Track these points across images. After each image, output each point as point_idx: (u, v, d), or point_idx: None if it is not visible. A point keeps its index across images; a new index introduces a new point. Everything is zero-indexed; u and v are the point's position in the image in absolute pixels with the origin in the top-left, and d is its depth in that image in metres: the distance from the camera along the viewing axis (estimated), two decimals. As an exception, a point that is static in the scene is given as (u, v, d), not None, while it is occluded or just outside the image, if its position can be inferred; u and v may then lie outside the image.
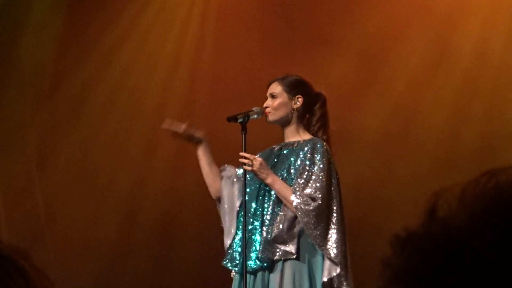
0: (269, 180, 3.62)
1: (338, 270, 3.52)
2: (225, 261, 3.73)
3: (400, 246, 0.65)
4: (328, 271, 3.54)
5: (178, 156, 6.03)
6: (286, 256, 3.59)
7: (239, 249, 3.70)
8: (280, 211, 3.62)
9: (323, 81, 5.68)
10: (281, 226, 3.58)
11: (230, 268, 3.72)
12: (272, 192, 3.69)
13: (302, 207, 3.56)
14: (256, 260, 3.60)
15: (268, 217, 3.67)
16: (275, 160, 3.77)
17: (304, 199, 3.58)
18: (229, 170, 3.84)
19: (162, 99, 6.21)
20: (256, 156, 3.74)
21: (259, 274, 3.63)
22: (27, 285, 0.89)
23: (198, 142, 3.80)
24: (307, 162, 3.65)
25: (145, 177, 6.10)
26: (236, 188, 3.81)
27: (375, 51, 5.89)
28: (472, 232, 0.64)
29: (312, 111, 3.81)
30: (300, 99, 3.72)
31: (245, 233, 3.65)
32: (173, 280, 6.00)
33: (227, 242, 3.76)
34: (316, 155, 3.66)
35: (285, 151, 3.76)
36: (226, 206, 3.81)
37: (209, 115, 5.98)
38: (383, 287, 0.65)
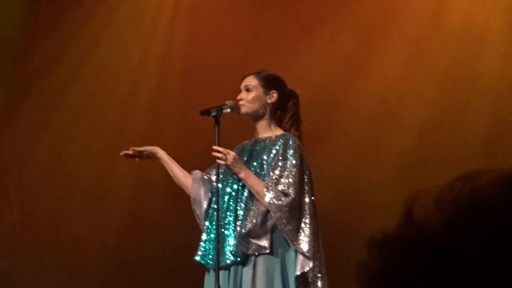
0: (242, 175, 3.67)
1: (311, 264, 3.58)
2: (197, 256, 3.76)
3: (376, 249, 0.65)
4: (301, 265, 3.60)
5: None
6: (259, 250, 3.63)
7: (211, 245, 3.71)
8: (253, 206, 3.66)
9: (298, 75, 5.71)
10: (254, 220, 3.63)
11: (202, 263, 3.74)
12: (246, 187, 3.73)
13: (275, 202, 3.61)
14: (230, 255, 3.63)
15: (241, 212, 3.70)
16: (248, 156, 3.81)
17: (277, 194, 3.63)
18: (195, 174, 3.90)
19: (132, 93, 6.21)
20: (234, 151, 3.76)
21: (232, 269, 3.65)
22: None
23: (155, 154, 3.87)
24: (280, 158, 3.70)
25: (112, 169, 6.10)
26: (202, 189, 3.84)
27: (357, 47, 5.93)
28: (447, 236, 0.64)
29: (286, 108, 3.85)
30: (275, 95, 3.77)
31: (218, 229, 3.67)
32: (140, 270, 6.00)
33: (202, 238, 3.79)
34: (288, 151, 3.71)
35: (257, 147, 3.80)
36: (197, 205, 3.85)
37: (181, 109, 5.99)
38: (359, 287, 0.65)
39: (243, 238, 3.63)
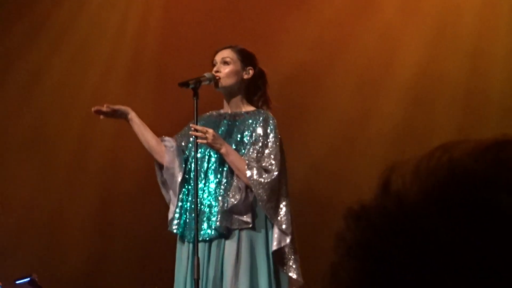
0: (223, 150, 3.68)
1: (288, 240, 3.63)
2: (173, 228, 3.75)
3: (354, 220, 0.65)
4: (278, 241, 3.65)
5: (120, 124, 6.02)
6: (242, 225, 3.66)
7: (188, 217, 3.72)
8: (234, 182, 3.68)
9: (277, 51, 5.69)
10: (237, 196, 3.65)
11: (178, 234, 3.74)
12: (225, 163, 3.73)
13: (257, 179, 3.64)
14: (213, 230, 3.65)
15: (222, 187, 3.72)
16: (223, 130, 3.81)
17: (259, 171, 3.65)
18: (168, 141, 3.86)
19: (110, 66, 6.16)
20: (200, 123, 3.77)
21: (214, 243, 3.68)
22: None
23: (126, 115, 3.82)
24: (261, 135, 3.72)
25: (90, 141, 6.08)
26: (177, 160, 3.81)
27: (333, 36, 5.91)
28: (425, 206, 0.64)
29: (257, 85, 3.89)
30: (251, 71, 3.82)
31: (197, 205, 3.68)
32: (114, 247, 6.02)
33: (172, 209, 3.78)
34: (268, 128, 3.74)
35: (232, 122, 3.81)
36: (169, 175, 3.81)
37: (158, 81, 5.97)
38: (337, 260, 0.65)
39: (226, 214, 3.64)
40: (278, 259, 3.70)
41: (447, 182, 0.64)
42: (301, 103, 5.74)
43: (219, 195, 3.71)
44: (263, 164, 3.72)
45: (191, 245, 3.70)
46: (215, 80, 3.77)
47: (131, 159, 5.87)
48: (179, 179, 3.80)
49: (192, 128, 3.71)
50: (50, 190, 6.04)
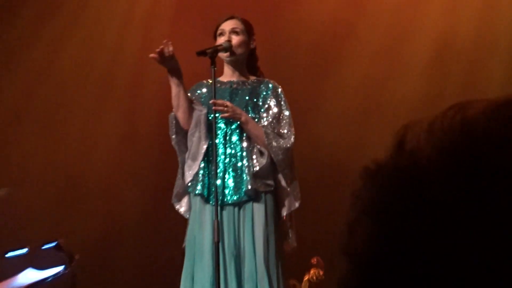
0: (243, 119, 3.80)
1: (297, 205, 3.78)
2: (198, 190, 3.81)
3: (370, 178, 0.66)
4: (288, 206, 3.79)
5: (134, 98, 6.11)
6: (267, 188, 3.79)
7: (211, 180, 3.79)
8: (257, 147, 3.79)
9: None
10: (263, 160, 3.78)
11: (204, 196, 3.81)
12: (243, 131, 3.81)
13: (275, 145, 3.76)
14: (242, 193, 3.75)
15: (246, 152, 3.80)
16: (231, 97, 3.90)
17: (276, 137, 3.79)
18: (198, 105, 3.91)
19: (122, 35, 6.20)
20: (203, 90, 3.87)
21: (243, 206, 3.79)
22: None
23: (174, 66, 3.83)
24: (273, 103, 3.86)
25: (104, 113, 6.17)
26: (205, 127, 3.87)
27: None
28: (439, 164, 0.66)
29: (255, 56, 3.98)
30: (254, 42, 3.94)
31: (216, 170, 3.76)
32: (128, 213, 6.13)
33: (191, 173, 3.84)
34: (279, 97, 3.87)
35: (240, 90, 3.91)
36: (191, 139, 3.86)
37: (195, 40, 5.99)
38: (354, 218, 0.67)
39: (255, 177, 3.76)
40: (285, 224, 3.87)
41: (460, 141, 0.66)
42: (323, 70, 5.74)
43: (245, 159, 3.80)
44: (281, 131, 3.84)
45: (213, 208, 3.77)
46: (231, 49, 3.86)
47: (145, 129, 5.94)
48: (205, 145, 3.85)
49: (212, 103, 3.80)
50: (66, 157, 6.13)
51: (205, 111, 3.91)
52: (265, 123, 3.85)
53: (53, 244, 4.55)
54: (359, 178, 0.68)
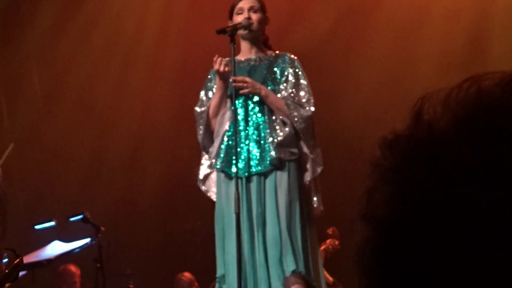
0: (263, 93, 3.90)
1: (319, 170, 3.87)
2: (222, 166, 3.91)
3: (388, 147, 0.69)
4: (312, 172, 3.88)
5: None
6: (291, 156, 3.88)
7: (233, 156, 3.86)
8: (279, 117, 3.87)
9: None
10: (286, 129, 3.86)
11: (227, 171, 3.90)
12: (264, 103, 3.89)
13: (296, 114, 3.84)
14: (266, 162, 3.83)
15: (268, 123, 3.88)
16: (252, 71, 3.99)
17: (297, 107, 3.87)
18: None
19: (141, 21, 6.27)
20: (225, 68, 3.94)
21: (268, 175, 3.86)
22: None
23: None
24: (291, 73, 3.95)
25: (124, 95, 6.26)
26: (228, 107, 3.95)
27: None
28: (454, 134, 0.68)
29: (265, 33, 4.14)
30: (268, 20, 4.02)
31: (236, 138, 3.85)
32: (145, 187, 6.22)
33: (215, 149, 3.92)
34: (296, 68, 3.94)
35: (259, 64, 4.00)
36: (219, 117, 3.96)
37: (187, 30, 6.04)
38: (372, 186, 0.70)
39: (278, 146, 3.84)
40: (310, 190, 3.96)
41: (475, 111, 0.68)
42: (348, 47, 5.74)
43: (267, 130, 3.89)
44: (301, 101, 3.93)
45: (242, 180, 3.86)
46: (250, 27, 3.97)
47: (162, 113, 6.02)
48: (228, 122, 3.95)
49: (232, 80, 3.88)
50: (88, 129, 6.23)
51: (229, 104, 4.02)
52: (285, 94, 3.94)
53: (79, 217, 4.63)
54: (377, 148, 0.71)
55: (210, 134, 4.04)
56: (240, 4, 4.02)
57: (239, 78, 3.92)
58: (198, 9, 6.18)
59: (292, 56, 4.04)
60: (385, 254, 0.67)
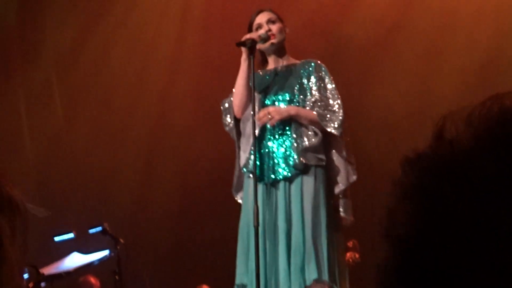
0: (292, 113, 3.93)
1: (354, 178, 3.86)
2: (247, 170, 3.93)
3: (410, 166, 0.69)
4: (346, 180, 3.87)
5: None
6: (318, 162, 3.87)
7: (263, 163, 3.90)
8: (302, 127, 3.87)
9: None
10: (313, 139, 3.85)
11: (257, 175, 3.91)
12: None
13: (331, 123, 3.87)
14: (292, 168, 3.84)
15: (293, 132, 3.95)
16: (277, 81, 4.01)
17: (329, 115, 3.88)
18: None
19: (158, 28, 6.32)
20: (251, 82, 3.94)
21: (294, 180, 3.88)
22: None
23: (250, 48, 3.93)
24: (318, 79, 3.99)
25: (144, 87, 6.32)
26: (257, 111, 3.98)
27: None
28: (477, 153, 0.68)
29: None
30: (287, 28, 4.03)
31: (259, 147, 3.87)
32: (157, 195, 6.26)
33: (245, 156, 3.95)
34: (323, 73, 4.03)
35: (285, 73, 4.02)
36: (249, 122, 3.98)
37: (203, 41, 6.08)
38: (393, 204, 0.69)
39: (304, 151, 3.85)
40: (341, 197, 3.95)
41: (498, 130, 0.68)
42: (377, 51, 5.74)
43: (294, 136, 3.90)
44: (330, 106, 3.93)
45: (268, 186, 3.89)
46: (269, 39, 3.99)
47: (176, 120, 6.06)
48: (257, 131, 3.97)
49: (256, 119, 3.88)
50: (104, 144, 6.28)
51: (259, 95, 4.03)
52: (313, 100, 3.95)
53: (99, 229, 4.65)
54: (399, 165, 0.71)
55: (235, 122, 4.08)
56: (257, 20, 4.06)
57: (261, 114, 3.94)
58: (215, 19, 6.21)
59: (318, 62, 4.06)
60: (407, 272, 0.67)
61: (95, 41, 6.47)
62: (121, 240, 4.77)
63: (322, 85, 4.00)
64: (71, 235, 4.89)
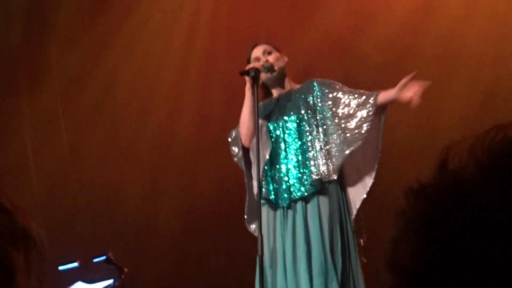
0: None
1: (371, 182, 3.84)
2: (265, 195, 3.91)
3: (413, 196, 0.69)
4: (367, 189, 3.85)
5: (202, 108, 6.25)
6: (328, 178, 3.84)
7: (276, 187, 3.89)
8: (311, 152, 3.85)
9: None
10: (324, 158, 3.82)
11: (272, 200, 3.90)
12: (301, 130, 3.97)
13: (363, 129, 3.89)
14: (308, 186, 3.83)
15: (305, 150, 3.95)
16: (281, 106, 4.04)
17: (355, 136, 3.92)
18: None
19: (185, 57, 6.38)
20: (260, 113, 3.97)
21: (309, 200, 3.87)
22: (11, 219, 0.94)
23: (253, 77, 3.96)
24: (325, 94, 4.01)
25: (148, 116, 6.35)
26: (265, 137, 3.98)
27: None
28: (481, 183, 0.68)
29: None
30: (286, 57, 4.05)
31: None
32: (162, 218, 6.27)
33: (256, 183, 3.92)
34: (327, 88, 4.05)
35: (288, 97, 4.06)
36: (253, 154, 3.98)
37: (227, 71, 6.11)
38: (397, 235, 0.69)
39: (318, 170, 3.83)
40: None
41: (502, 159, 0.68)
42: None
43: (306, 154, 3.89)
44: (349, 112, 3.92)
45: (284, 210, 3.88)
46: (272, 68, 4.01)
47: (180, 149, 6.07)
48: (267, 153, 3.97)
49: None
50: (109, 172, 6.30)
51: (266, 122, 4.04)
52: (333, 114, 3.92)
53: (103, 258, 4.63)
54: (403, 196, 0.71)
55: (243, 152, 4.06)
56: (254, 54, 4.12)
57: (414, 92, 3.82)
58: (219, 49, 6.24)
59: (319, 79, 4.08)
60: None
61: (101, 69, 6.51)
62: (125, 270, 4.76)
63: (331, 96, 3.99)
64: (75, 264, 4.88)
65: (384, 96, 3.94)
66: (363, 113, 3.93)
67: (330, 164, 3.92)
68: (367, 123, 3.92)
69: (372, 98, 3.93)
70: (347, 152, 3.92)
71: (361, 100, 3.94)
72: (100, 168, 6.34)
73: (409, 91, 3.80)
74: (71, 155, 6.38)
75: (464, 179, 0.69)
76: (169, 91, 6.43)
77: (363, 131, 3.92)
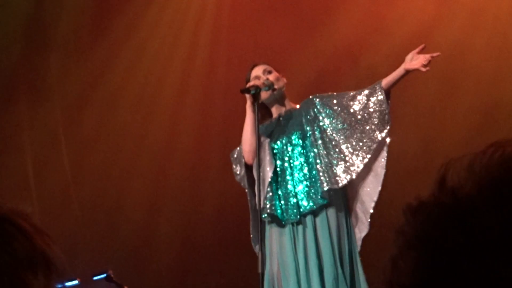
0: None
1: (383, 172, 3.82)
2: (272, 211, 3.89)
3: (412, 214, 0.69)
4: (376, 195, 3.85)
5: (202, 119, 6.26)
6: (339, 188, 3.83)
7: (282, 203, 3.88)
8: (317, 165, 3.85)
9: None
10: (325, 167, 3.85)
11: (279, 217, 3.89)
12: (305, 145, 3.99)
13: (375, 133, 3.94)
14: (318, 199, 3.83)
15: (310, 164, 3.96)
16: (283, 125, 4.04)
17: (368, 127, 3.95)
18: (261, 136, 4.03)
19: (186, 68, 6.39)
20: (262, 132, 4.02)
21: (319, 213, 3.90)
22: (30, 243, 0.93)
23: (254, 95, 3.97)
24: (328, 107, 3.98)
25: (148, 126, 6.35)
26: (269, 156, 3.98)
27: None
28: (479, 200, 0.68)
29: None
30: (285, 78, 4.05)
31: (282, 185, 3.91)
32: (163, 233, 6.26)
33: (263, 200, 3.90)
34: (327, 100, 4.07)
35: (289, 116, 4.06)
36: (260, 167, 3.97)
37: (226, 87, 6.11)
38: (397, 252, 0.69)
39: (322, 183, 3.83)
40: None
41: (500, 176, 0.68)
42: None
43: (312, 169, 3.89)
44: (356, 117, 3.94)
45: (294, 225, 3.87)
46: (273, 85, 4.02)
47: (179, 170, 6.07)
48: (271, 170, 3.96)
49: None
50: (110, 191, 6.29)
51: (267, 139, 4.03)
52: (349, 123, 3.94)
53: (103, 276, 4.62)
54: (402, 214, 0.71)
55: (245, 170, 4.03)
56: (253, 73, 4.13)
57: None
58: (218, 70, 6.26)
59: (317, 95, 4.10)
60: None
61: (102, 87, 6.52)
62: (125, 287, 4.74)
63: (336, 108, 4.01)
64: (75, 282, 4.86)
65: (390, 77, 3.98)
66: (373, 99, 3.94)
67: (355, 159, 3.92)
68: (383, 108, 3.90)
69: (377, 85, 3.96)
70: (383, 134, 3.92)
71: (367, 91, 3.97)
72: (101, 187, 6.34)
73: (417, 61, 3.86)
74: (71, 177, 6.37)
75: (462, 197, 0.69)
76: (169, 111, 6.43)
77: (382, 119, 3.92)
